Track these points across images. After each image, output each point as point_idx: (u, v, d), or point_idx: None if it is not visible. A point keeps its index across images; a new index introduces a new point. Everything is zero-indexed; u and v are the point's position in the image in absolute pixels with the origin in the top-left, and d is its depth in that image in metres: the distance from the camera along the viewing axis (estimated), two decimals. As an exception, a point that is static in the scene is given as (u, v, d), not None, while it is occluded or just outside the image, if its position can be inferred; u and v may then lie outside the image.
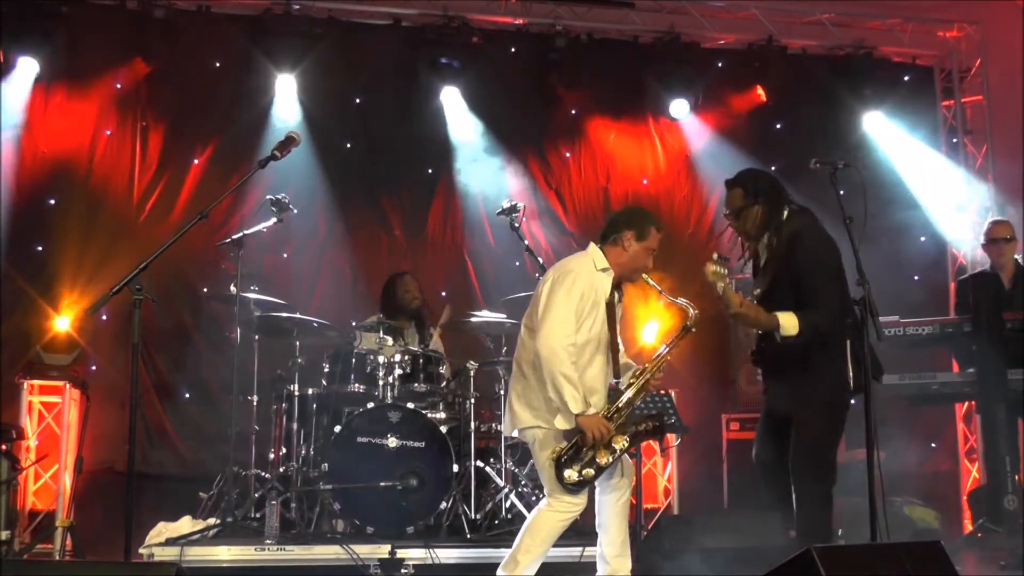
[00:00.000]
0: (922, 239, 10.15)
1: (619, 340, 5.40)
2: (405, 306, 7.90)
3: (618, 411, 5.23)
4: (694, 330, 5.37)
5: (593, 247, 5.40)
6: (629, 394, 5.29)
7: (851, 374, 5.14)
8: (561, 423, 5.14)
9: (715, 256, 5.11)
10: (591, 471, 5.12)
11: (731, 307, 5.07)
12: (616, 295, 5.36)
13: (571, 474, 5.10)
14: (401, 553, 6.21)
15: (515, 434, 5.41)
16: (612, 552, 5.31)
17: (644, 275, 5.44)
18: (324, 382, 7.26)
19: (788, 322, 5.06)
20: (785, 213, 5.31)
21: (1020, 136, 9.49)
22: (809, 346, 5.12)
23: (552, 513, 5.19)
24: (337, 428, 6.88)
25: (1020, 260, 7.84)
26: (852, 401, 5.35)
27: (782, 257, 5.23)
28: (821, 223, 5.33)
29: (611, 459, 5.15)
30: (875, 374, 5.13)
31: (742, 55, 10.13)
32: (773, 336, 5.22)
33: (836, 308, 5.09)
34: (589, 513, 5.43)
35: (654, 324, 9.34)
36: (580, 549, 6.11)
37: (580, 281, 5.21)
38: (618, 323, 5.39)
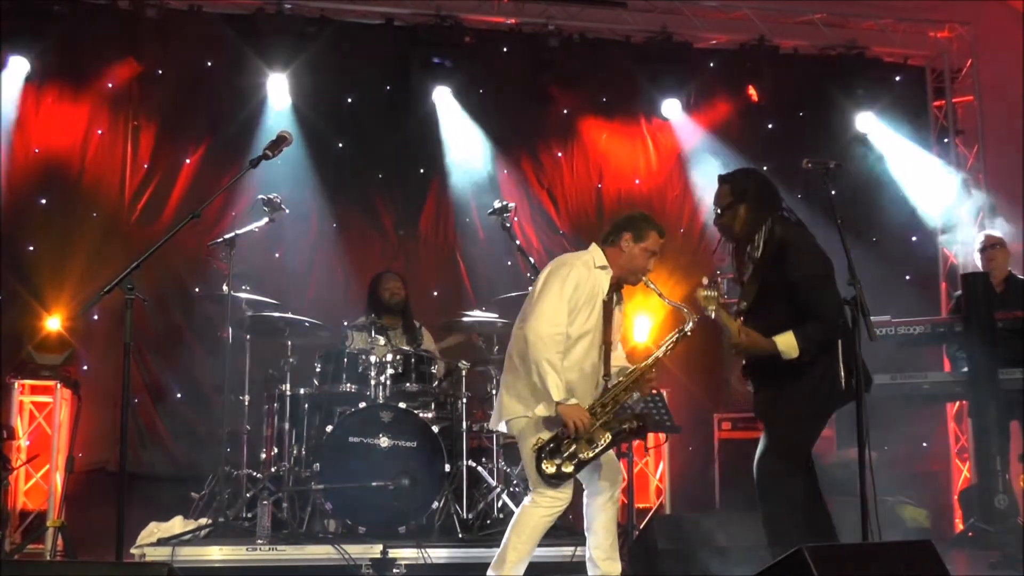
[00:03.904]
0: (913, 239, 10.19)
1: (613, 341, 5.35)
2: (387, 304, 7.90)
3: (603, 407, 5.19)
4: (690, 335, 5.33)
5: (594, 246, 5.40)
6: (616, 392, 5.25)
7: (843, 378, 5.09)
8: (542, 410, 5.12)
9: (704, 280, 5.05)
10: (570, 465, 5.08)
11: (731, 337, 5.04)
12: (615, 297, 5.35)
13: (548, 466, 5.07)
14: (393, 553, 6.21)
15: (501, 428, 5.40)
16: (601, 555, 5.31)
17: (644, 278, 5.40)
18: (316, 382, 7.25)
19: (787, 345, 4.97)
20: (770, 221, 5.15)
21: (1011, 136, 9.53)
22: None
23: (536, 508, 5.18)
24: (329, 428, 6.88)
25: (1014, 272, 8.00)
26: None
27: (769, 269, 5.12)
28: (811, 234, 5.21)
29: (591, 455, 5.11)
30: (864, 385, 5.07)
31: (734, 55, 10.15)
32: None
33: (834, 317, 4.98)
34: (580, 513, 5.43)
35: (646, 321, 9.35)
36: (572, 549, 6.11)
37: (575, 273, 5.21)
38: (616, 327, 5.37)
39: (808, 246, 5.14)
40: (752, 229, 5.18)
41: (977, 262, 8.22)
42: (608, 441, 5.17)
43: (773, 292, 5.10)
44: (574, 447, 5.09)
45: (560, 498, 5.18)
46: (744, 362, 5.41)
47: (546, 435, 5.12)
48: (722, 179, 5.35)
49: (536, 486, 5.18)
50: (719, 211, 5.29)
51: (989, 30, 10.13)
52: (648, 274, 5.39)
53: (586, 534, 5.38)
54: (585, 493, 5.35)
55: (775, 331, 5.02)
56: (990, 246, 8.11)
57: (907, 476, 8.25)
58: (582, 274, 5.22)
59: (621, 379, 5.29)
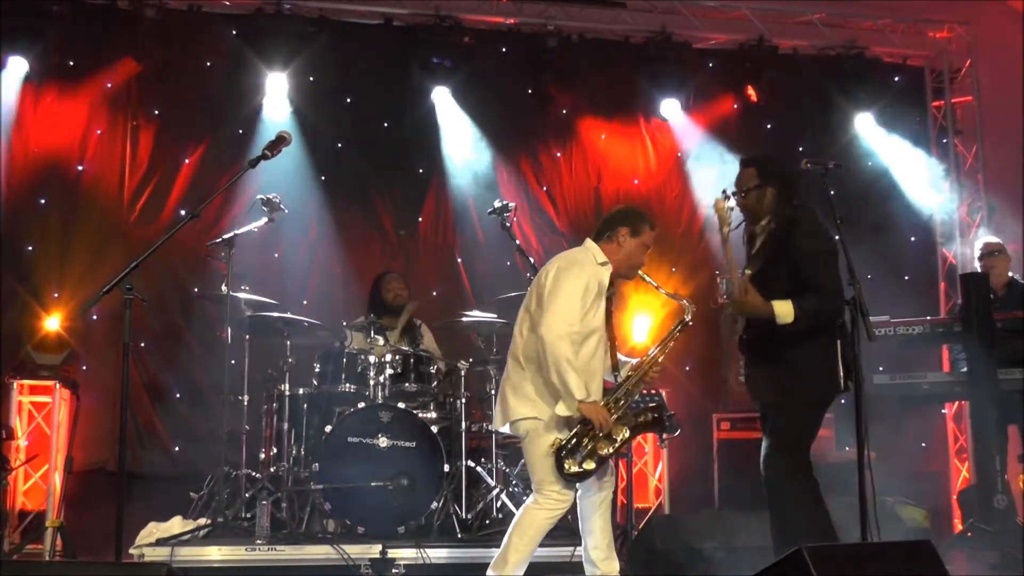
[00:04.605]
0: (913, 239, 10.19)
1: (614, 335, 5.42)
2: (390, 305, 7.90)
3: (616, 403, 5.25)
4: (691, 324, 5.45)
5: (590, 242, 5.43)
6: (628, 386, 5.32)
7: (841, 373, 5.13)
8: (562, 409, 5.12)
9: (725, 191, 5.21)
10: (592, 462, 5.12)
11: (734, 291, 5.12)
12: (610, 291, 5.38)
13: (571, 465, 5.10)
14: (392, 553, 6.22)
15: (505, 429, 5.41)
16: (599, 555, 5.31)
17: (640, 272, 5.49)
18: (315, 382, 7.24)
19: (783, 309, 5.06)
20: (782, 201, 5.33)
21: (1010, 136, 9.53)
22: (798, 339, 5.11)
23: (540, 510, 5.18)
24: (328, 428, 6.86)
25: (1015, 277, 8.00)
26: (842, 401, 5.35)
27: (778, 242, 5.24)
28: (819, 218, 5.31)
29: (611, 450, 5.17)
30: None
31: (733, 55, 10.16)
32: (760, 325, 5.22)
33: (836, 292, 5.08)
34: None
35: (645, 320, 9.35)
36: (571, 549, 6.10)
37: (586, 271, 5.25)
38: (612, 320, 5.42)
39: (815, 226, 5.26)
40: (774, 210, 5.31)
41: (977, 268, 8.21)
42: (626, 436, 5.25)
43: (777, 268, 5.20)
44: (592, 445, 5.12)
45: (565, 500, 5.19)
46: (741, 335, 5.45)
47: (563, 435, 5.14)
48: (746, 162, 5.48)
49: (543, 487, 5.19)
50: (744, 193, 5.35)
51: (988, 30, 10.13)
52: (640, 267, 5.48)
53: (582, 535, 5.39)
54: (579, 494, 5.34)
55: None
56: (988, 254, 8.12)
57: (907, 476, 8.25)
58: (591, 273, 5.27)
59: (630, 374, 5.36)
